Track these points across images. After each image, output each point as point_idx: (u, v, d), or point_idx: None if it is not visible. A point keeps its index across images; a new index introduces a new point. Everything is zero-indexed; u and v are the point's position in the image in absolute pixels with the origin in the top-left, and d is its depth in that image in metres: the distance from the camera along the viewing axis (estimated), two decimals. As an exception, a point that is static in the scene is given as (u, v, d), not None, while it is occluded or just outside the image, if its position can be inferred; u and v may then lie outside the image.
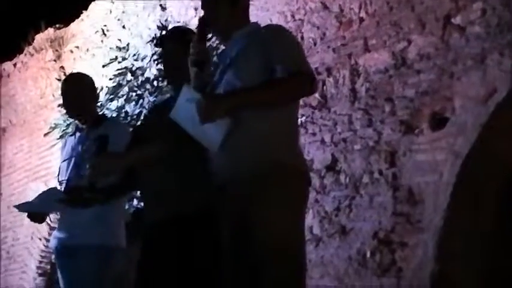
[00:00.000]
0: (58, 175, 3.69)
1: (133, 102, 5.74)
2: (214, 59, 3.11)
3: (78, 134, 3.66)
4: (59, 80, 7.10)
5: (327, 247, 4.15)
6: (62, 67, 7.64)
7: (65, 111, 3.90)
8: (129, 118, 5.60)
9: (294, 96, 2.53)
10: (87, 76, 3.91)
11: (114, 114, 5.96)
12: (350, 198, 4.05)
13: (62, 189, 3.56)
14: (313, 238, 4.24)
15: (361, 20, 4.19)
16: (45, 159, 7.66)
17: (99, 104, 6.28)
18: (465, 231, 3.53)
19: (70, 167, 3.56)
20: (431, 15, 3.75)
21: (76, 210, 3.37)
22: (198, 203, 2.82)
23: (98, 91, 3.84)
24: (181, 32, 3.23)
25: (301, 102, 4.54)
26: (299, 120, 4.48)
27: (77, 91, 3.65)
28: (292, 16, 4.71)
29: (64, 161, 3.65)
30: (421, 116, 3.73)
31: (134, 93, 5.70)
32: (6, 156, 8.82)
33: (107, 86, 6.28)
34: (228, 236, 2.53)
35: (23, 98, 8.44)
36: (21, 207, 3.64)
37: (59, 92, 3.95)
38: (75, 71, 7.36)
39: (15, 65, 8.88)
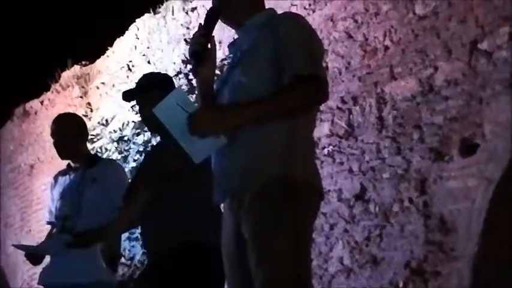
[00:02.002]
0: (48, 214, 3.68)
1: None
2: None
3: (71, 174, 3.62)
4: (86, 116, 7.20)
5: (358, 278, 4.09)
6: (89, 103, 7.73)
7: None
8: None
9: (300, 108, 2.23)
10: (74, 117, 3.88)
11: (141, 148, 6.00)
12: (380, 228, 4.01)
13: (55, 228, 3.58)
14: (343, 269, 4.19)
15: (386, 48, 4.18)
16: (73, 195, 7.70)
17: (125, 138, 6.36)
18: (500, 258, 3.47)
19: (66, 206, 3.54)
20: (457, 42, 3.73)
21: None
22: (186, 236, 2.87)
23: (86, 130, 3.78)
24: (150, 79, 3.25)
25: (327, 131, 4.58)
26: (323, 143, 4.47)
27: (62, 134, 3.60)
28: (317, 46, 4.72)
29: (58, 200, 3.61)
30: (450, 143, 3.69)
31: (160, 127, 5.73)
32: (35, 192, 8.89)
33: (133, 121, 6.34)
34: (228, 254, 2.37)
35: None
36: (19, 247, 3.64)
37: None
38: (101, 107, 7.48)
39: (42, 102, 9.01)
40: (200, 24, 2.34)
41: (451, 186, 3.65)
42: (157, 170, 2.95)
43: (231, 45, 2.46)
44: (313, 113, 2.39)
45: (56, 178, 3.74)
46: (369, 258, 4.05)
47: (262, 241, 2.18)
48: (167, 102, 2.27)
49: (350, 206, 4.24)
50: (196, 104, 2.37)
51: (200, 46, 2.29)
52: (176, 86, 3.32)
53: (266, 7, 2.47)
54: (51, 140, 3.69)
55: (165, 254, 2.88)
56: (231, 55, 2.44)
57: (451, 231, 3.60)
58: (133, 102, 6.12)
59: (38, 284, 3.67)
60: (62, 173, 3.72)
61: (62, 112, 4.08)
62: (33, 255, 3.51)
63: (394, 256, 3.88)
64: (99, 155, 5.72)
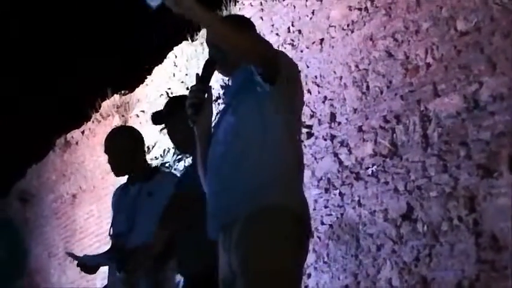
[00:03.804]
0: (110, 229, 3.62)
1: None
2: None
3: (130, 188, 3.55)
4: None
5: (408, 299, 4.02)
6: (129, 131, 7.80)
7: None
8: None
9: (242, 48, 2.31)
10: (126, 131, 3.74)
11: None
12: (429, 247, 3.93)
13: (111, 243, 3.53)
14: (393, 290, 4.11)
15: (428, 65, 4.14)
16: (115, 223, 7.75)
17: (167, 165, 6.39)
18: (557, 275, 3.37)
19: (121, 222, 3.48)
20: (501, 56, 3.68)
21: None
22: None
23: (139, 143, 3.62)
24: (174, 102, 3.25)
25: (370, 151, 4.52)
26: (370, 168, 4.42)
27: (115, 150, 3.54)
28: (357, 66, 4.70)
29: (115, 215, 3.57)
30: (499, 159, 3.62)
31: (201, 153, 5.73)
32: (77, 222, 8.98)
33: (173, 147, 6.37)
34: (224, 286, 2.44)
35: (92, 165, 8.63)
36: (73, 256, 3.65)
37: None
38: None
39: (83, 132, 9.13)
40: (197, 74, 2.47)
41: (501, 203, 3.57)
42: (189, 199, 2.97)
43: (225, 92, 2.69)
44: (298, 143, 2.47)
45: (116, 193, 3.67)
46: (418, 279, 3.97)
47: (248, 274, 2.24)
48: None
49: (397, 226, 4.17)
50: None
51: (198, 99, 2.43)
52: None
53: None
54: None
55: (203, 276, 2.91)
56: (224, 100, 2.64)
57: (503, 249, 3.52)
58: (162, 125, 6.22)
59: None
60: (122, 187, 3.64)
61: (116, 127, 3.96)
62: (85, 264, 3.49)
63: (445, 276, 3.80)
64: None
